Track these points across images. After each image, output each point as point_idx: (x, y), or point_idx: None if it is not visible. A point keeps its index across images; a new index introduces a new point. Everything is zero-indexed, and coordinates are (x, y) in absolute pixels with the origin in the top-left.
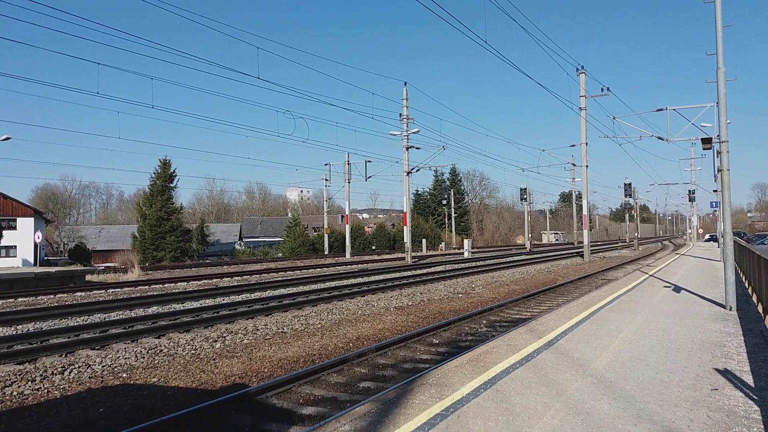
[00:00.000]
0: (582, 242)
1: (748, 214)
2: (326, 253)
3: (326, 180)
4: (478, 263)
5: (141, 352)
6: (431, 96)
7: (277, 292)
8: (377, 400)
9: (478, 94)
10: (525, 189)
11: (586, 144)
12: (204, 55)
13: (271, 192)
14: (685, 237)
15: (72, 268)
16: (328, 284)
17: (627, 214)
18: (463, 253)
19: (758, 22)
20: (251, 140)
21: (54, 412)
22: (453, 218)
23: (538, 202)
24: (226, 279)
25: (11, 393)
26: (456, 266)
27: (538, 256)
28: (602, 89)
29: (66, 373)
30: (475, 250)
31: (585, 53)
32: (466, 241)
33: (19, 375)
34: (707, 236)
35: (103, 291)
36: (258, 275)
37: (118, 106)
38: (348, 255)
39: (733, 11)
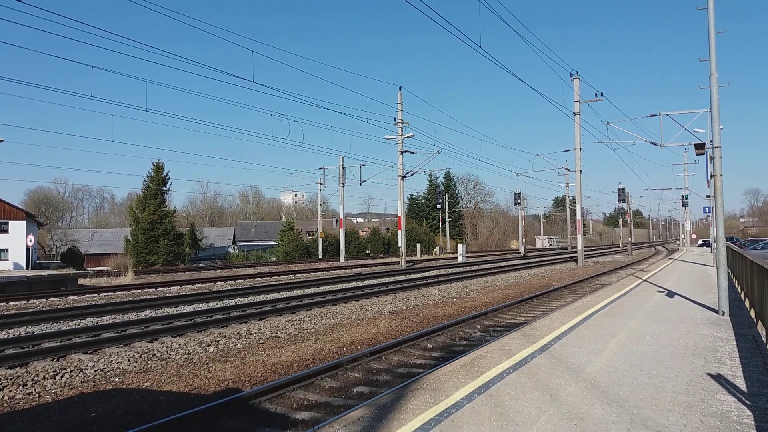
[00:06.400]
0: (576, 247)
1: (741, 220)
2: (320, 257)
3: (321, 184)
4: (473, 268)
5: (134, 356)
6: (426, 100)
7: (270, 297)
8: (371, 405)
9: (472, 99)
10: (519, 194)
11: (581, 149)
12: (198, 58)
13: (265, 196)
14: (678, 242)
15: (64, 271)
16: (322, 288)
17: (620, 219)
18: (457, 258)
19: (751, 27)
20: (245, 144)
21: (45, 416)
22: (447, 223)
23: (532, 207)
24: (219, 283)
25: (2, 397)
26: (450, 270)
27: (532, 260)
28: (596, 94)
29: (58, 377)
30: (470, 254)
31: (579, 58)
32: (460, 246)
33: (11, 379)
34: (700, 241)
35: (96, 295)
36: (252, 279)
37: (112, 109)
38: (342, 259)
39: (726, 16)
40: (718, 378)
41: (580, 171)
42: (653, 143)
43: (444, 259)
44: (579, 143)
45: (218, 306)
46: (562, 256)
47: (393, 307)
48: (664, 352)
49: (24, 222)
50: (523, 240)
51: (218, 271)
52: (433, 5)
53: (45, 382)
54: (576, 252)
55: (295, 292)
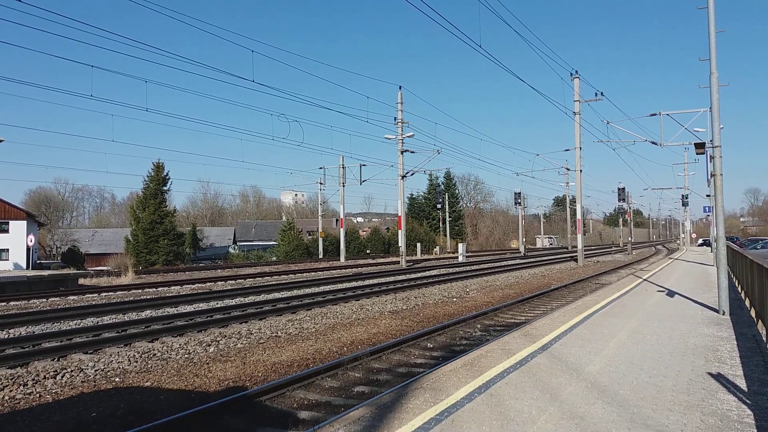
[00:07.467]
0: (576, 246)
1: (741, 219)
2: (321, 257)
3: (321, 184)
4: (473, 267)
5: (134, 356)
6: (426, 100)
7: (271, 296)
8: (372, 405)
9: (472, 98)
10: (519, 193)
11: (581, 148)
12: (198, 58)
13: (265, 195)
14: (678, 241)
15: (65, 271)
16: (322, 288)
17: (621, 219)
18: (457, 257)
19: (751, 27)
20: (245, 143)
21: (46, 416)
22: (447, 222)
23: (533, 207)
24: (219, 283)
25: (3, 397)
26: (450, 270)
27: (532, 260)
28: (596, 94)
29: (58, 377)
30: (470, 254)
31: (579, 57)
32: (460, 245)
33: (11, 379)
34: (700, 241)
35: (96, 294)
36: (252, 279)
37: (112, 109)
38: (342, 259)
39: (726, 16)
40: (719, 377)
41: (581, 170)
42: (653, 143)
43: (444, 258)
44: (579, 143)
45: (218, 306)
46: (562, 256)
47: (393, 307)
48: (664, 352)
49: (24, 222)
50: (524, 239)
51: (218, 270)
52: (433, 5)
53: (45, 381)
54: (576, 251)
55: (295, 292)
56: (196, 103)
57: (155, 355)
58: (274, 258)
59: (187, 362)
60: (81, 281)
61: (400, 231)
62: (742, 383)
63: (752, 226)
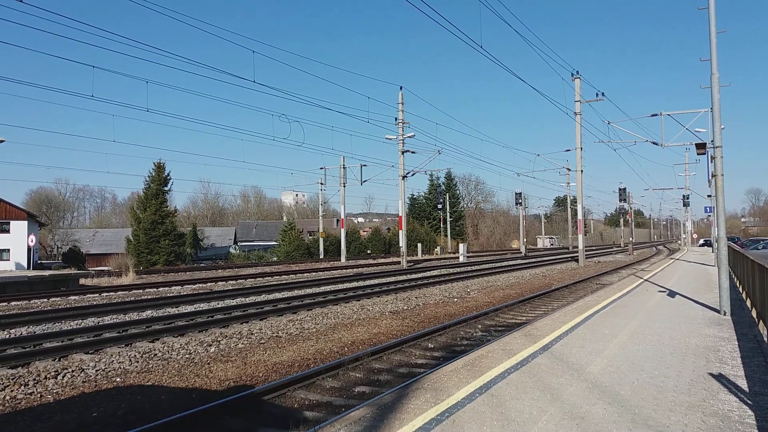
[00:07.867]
0: (577, 247)
1: (742, 219)
2: (321, 257)
3: (322, 184)
4: (474, 267)
5: (135, 356)
6: (427, 100)
7: (272, 296)
8: (372, 405)
9: (473, 99)
10: (520, 194)
11: (581, 149)
12: (199, 58)
13: (266, 196)
14: (679, 242)
15: (66, 271)
16: (323, 288)
17: (622, 219)
18: (458, 258)
19: (752, 27)
20: (246, 144)
21: (47, 416)
22: (448, 222)
23: (534, 207)
24: (220, 283)
25: (4, 397)
26: (451, 270)
27: (533, 260)
28: (597, 94)
29: (59, 377)
30: (471, 254)
31: (580, 58)
32: (461, 246)
33: (12, 379)
34: (701, 241)
35: (97, 295)
36: (253, 279)
37: (113, 110)
38: (343, 259)
39: (726, 17)
40: (720, 378)
41: (581, 171)
42: (654, 143)
43: (445, 259)
44: (580, 143)
45: (219, 306)
46: (563, 256)
47: (394, 307)
48: (665, 352)
49: (25, 222)
50: (524, 240)
51: (219, 271)
52: (433, 5)
53: (46, 381)
54: (577, 252)
55: (296, 292)
56: (197, 104)
57: (156, 355)
58: (275, 258)
59: (188, 362)
60: (82, 281)
61: (400, 231)
62: (743, 384)
63: (753, 227)
